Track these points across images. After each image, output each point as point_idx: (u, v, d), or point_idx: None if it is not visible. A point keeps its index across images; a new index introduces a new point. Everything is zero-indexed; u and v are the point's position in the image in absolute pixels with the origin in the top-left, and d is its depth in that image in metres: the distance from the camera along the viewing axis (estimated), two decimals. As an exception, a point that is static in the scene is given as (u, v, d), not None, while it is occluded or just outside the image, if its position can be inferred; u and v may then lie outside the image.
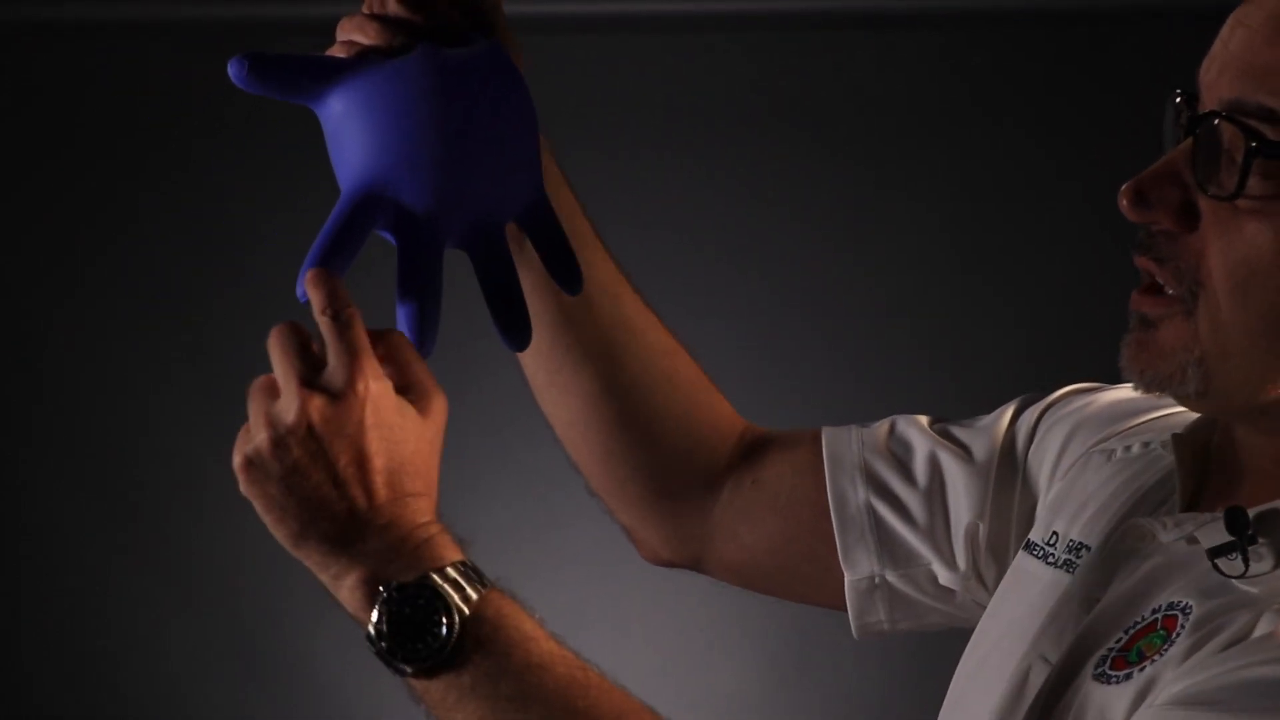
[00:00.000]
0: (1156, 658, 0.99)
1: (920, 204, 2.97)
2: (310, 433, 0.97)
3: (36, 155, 3.01)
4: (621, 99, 3.02)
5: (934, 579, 1.30)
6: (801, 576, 1.32)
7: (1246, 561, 0.99)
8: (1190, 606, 1.00)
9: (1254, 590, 0.98)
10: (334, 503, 0.98)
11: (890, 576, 1.29)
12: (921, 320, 2.96)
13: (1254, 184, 0.97)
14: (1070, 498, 1.20)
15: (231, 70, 1.01)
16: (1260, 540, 0.99)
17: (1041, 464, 1.25)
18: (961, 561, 1.27)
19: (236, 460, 1.00)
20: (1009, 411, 1.29)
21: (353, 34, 1.06)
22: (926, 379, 2.92)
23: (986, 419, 1.30)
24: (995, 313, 2.97)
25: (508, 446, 2.97)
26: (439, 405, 1.02)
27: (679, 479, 1.30)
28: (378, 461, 0.98)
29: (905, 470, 1.29)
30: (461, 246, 1.03)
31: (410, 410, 1.00)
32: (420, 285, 1.00)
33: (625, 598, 2.89)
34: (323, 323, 0.99)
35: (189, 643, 2.99)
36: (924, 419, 1.32)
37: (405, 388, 1.01)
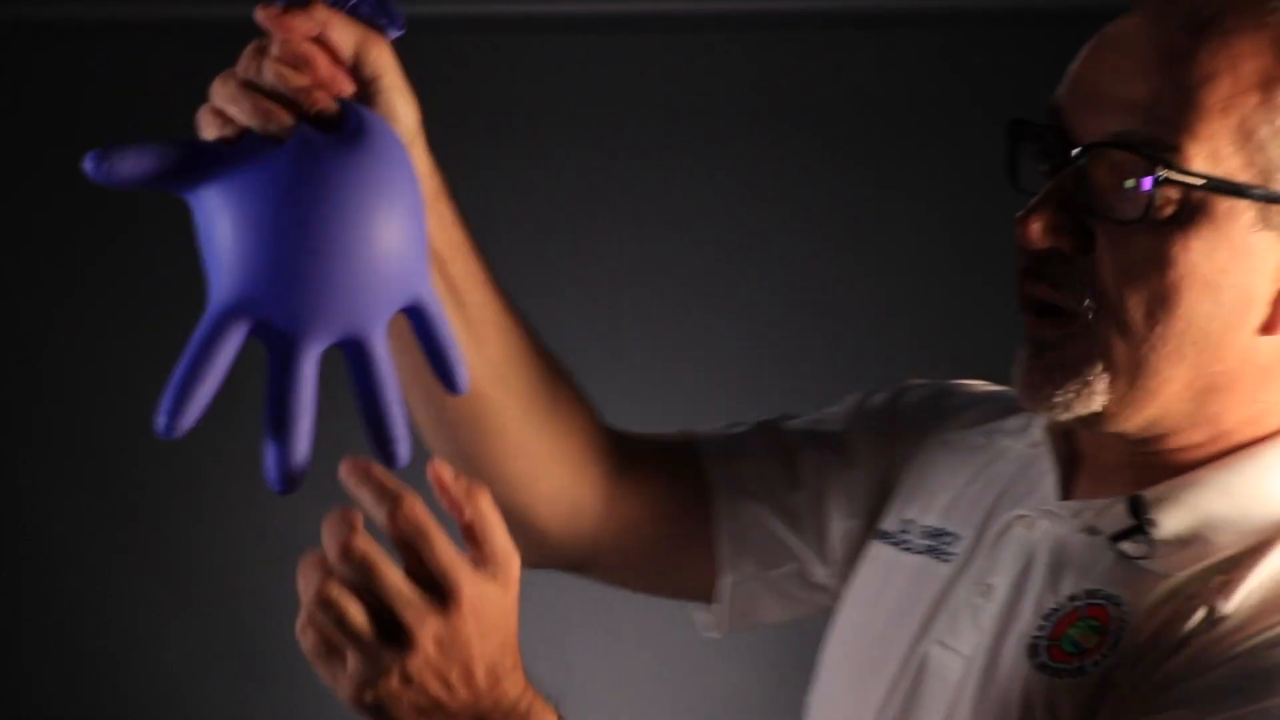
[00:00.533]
0: (1101, 656, 1.06)
1: (920, 204, 2.97)
2: (428, 660, 0.94)
3: (36, 155, 3.01)
4: (621, 99, 3.02)
5: (807, 576, 1.32)
6: (681, 578, 1.32)
7: (1151, 543, 1.07)
8: (1119, 598, 1.07)
9: (1158, 569, 1.07)
10: (447, 704, 0.96)
11: (767, 576, 1.32)
12: (921, 320, 2.97)
13: (1154, 208, 1.04)
14: (920, 487, 1.26)
15: (90, 167, 0.93)
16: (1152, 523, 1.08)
17: (891, 455, 1.29)
18: (837, 555, 1.31)
19: (349, 693, 0.96)
20: (857, 405, 1.34)
21: (226, 105, 0.97)
22: (926, 378, 2.93)
23: (835, 414, 1.34)
24: (995, 313, 2.97)
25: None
26: (514, 568, 0.97)
27: (552, 507, 1.27)
28: (482, 663, 0.96)
29: (776, 471, 1.30)
30: (340, 348, 0.97)
31: (497, 594, 0.96)
32: (285, 411, 0.94)
33: (620, 600, 2.89)
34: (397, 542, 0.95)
35: (189, 643, 2.99)
36: (783, 420, 1.34)
37: (483, 557, 0.96)
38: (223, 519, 2.87)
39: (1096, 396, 1.07)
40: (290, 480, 0.96)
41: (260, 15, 0.98)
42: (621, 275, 3.02)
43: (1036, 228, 1.06)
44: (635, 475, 1.30)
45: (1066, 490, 1.16)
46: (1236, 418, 1.09)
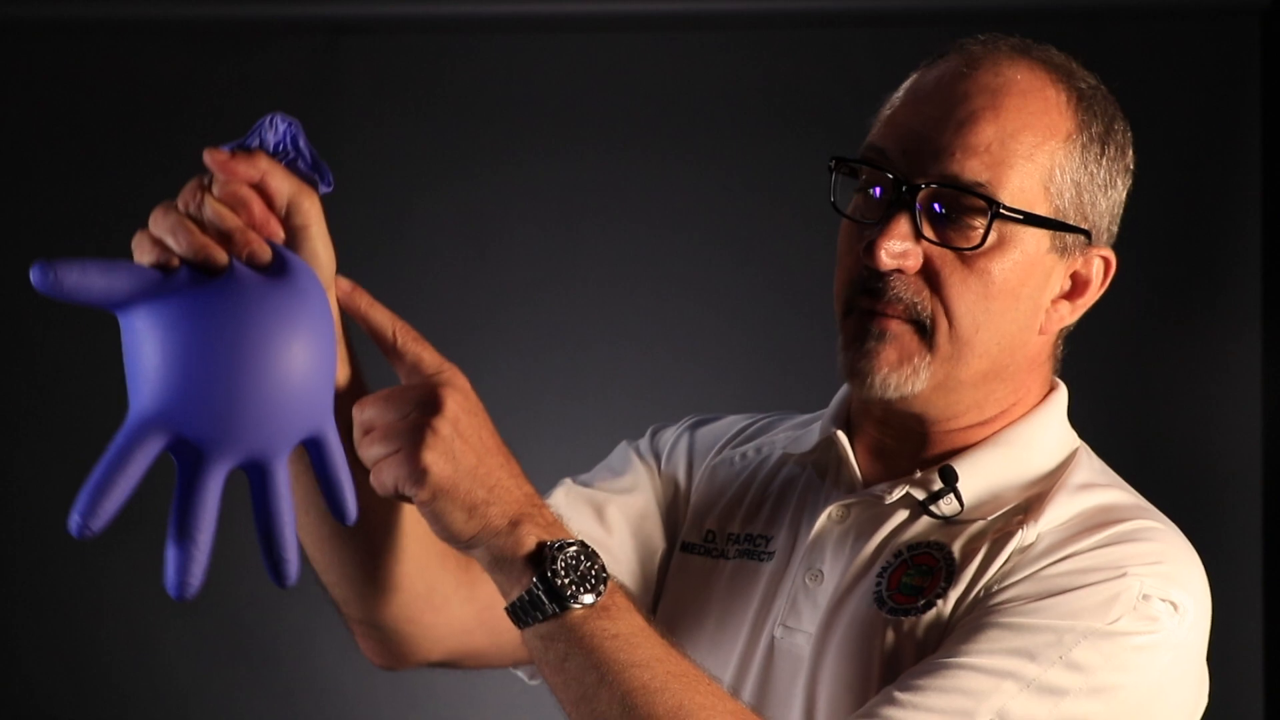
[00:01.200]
0: (940, 589, 1.29)
1: (920, 204, 2.97)
2: (461, 412, 1.19)
3: (36, 155, 3.01)
4: (621, 99, 3.02)
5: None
6: (512, 648, 1.41)
7: (961, 502, 1.33)
8: (938, 542, 1.32)
9: (968, 519, 1.32)
10: (501, 456, 1.23)
11: None
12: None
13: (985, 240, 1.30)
14: (710, 501, 1.47)
15: (35, 276, 1.00)
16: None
17: (676, 478, 1.50)
18: (652, 583, 1.48)
19: (412, 466, 1.14)
20: (632, 449, 1.53)
21: (165, 236, 1.04)
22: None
23: (616, 461, 1.53)
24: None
25: (507, 446, 2.97)
26: (459, 378, 1.22)
27: (431, 606, 1.36)
28: (496, 437, 1.24)
29: (592, 528, 1.45)
30: (244, 469, 1.05)
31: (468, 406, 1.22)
32: (188, 524, 1.03)
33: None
34: (401, 330, 1.18)
35: (189, 643, 2.99)
36: (573, 481, 1.52)
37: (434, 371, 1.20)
38: (222, 519, 2.87)
39: (919, 382, 1.31)
40: (187, 587, 1.06)
41: (207, 157, 1.07)
42: (621, 274, 3.02)
43: (885, 254, 1.29)
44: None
45: (866, 482, 1.39)
46: (1007, 401, 1.37)
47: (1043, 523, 1.30)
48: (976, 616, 1.25)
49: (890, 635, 1.29)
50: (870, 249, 1.30)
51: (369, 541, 1.29)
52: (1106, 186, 1.34)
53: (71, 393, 2.99)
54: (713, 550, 1.44)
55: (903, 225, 1.30)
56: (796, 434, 1.48)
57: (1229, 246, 2.89)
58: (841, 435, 1.40)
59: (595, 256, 3.01)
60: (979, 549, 1.30)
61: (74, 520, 1.01)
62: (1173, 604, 1.25)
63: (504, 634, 1.37)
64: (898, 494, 1.35)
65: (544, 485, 3.20)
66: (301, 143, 1.09)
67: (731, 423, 1.53)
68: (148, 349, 1.00)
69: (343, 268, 1.15)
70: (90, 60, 2.99)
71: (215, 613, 2.98)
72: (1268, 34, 2.90)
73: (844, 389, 1.45)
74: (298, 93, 3.00)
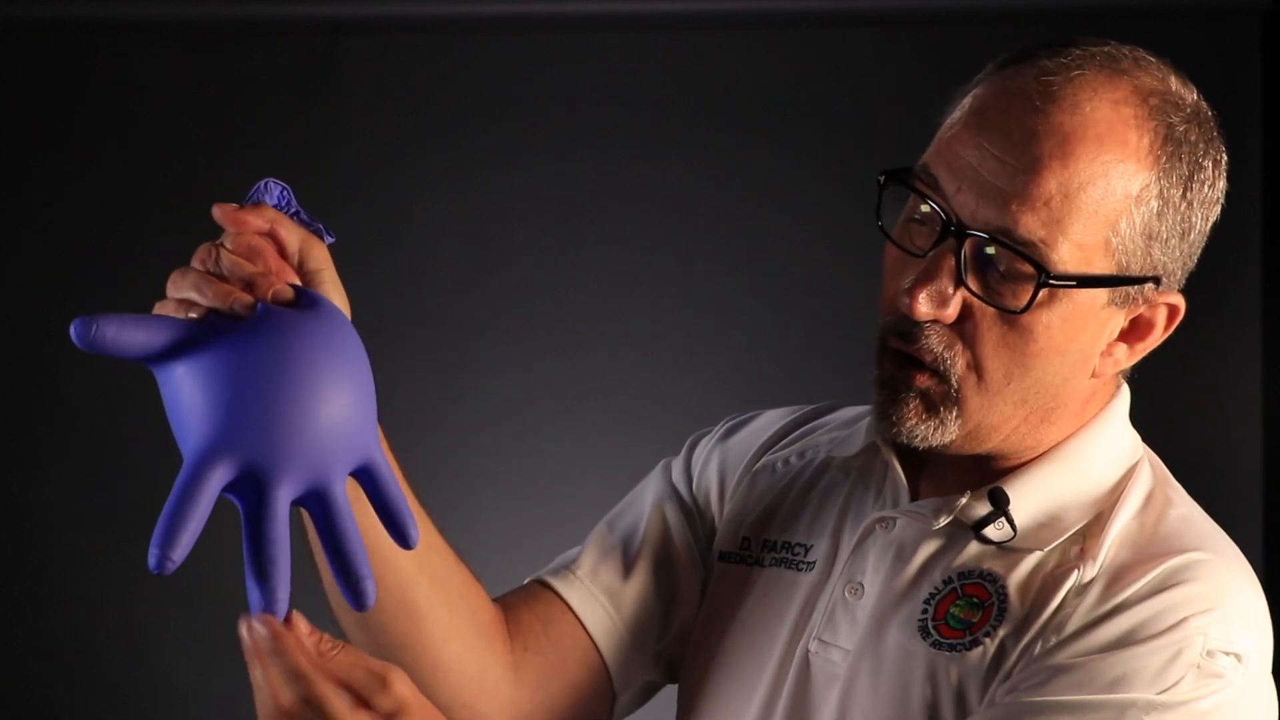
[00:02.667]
0: (990, 626, 1.22)
1: (920, 204, 2.97)
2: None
3: (36, 155, 3.01)
4: (621, 99, 3.02)
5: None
6: (587, 711, 1.40)
7: (1014, 526, 1.24)
8: (991, 573, 1.24)
9: (1021, 547, 1.24)
10: None
11: (657, 674, 1.43)
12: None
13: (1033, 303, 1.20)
14: (749, 508, 1.40)
15: (74, 332, 1.02)
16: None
17: (709, 490, 1.44)
18: (695, 600, 1.42)
19: None
20: (675, 469, 1.46)
21: (189, 292, 1.06)
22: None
23: (646, 487, 1.46)
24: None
25: (506, 446, 2.97)
26: (401, 687, 1.05)
27: (479, 686, 1.34)
28: None
29: (628, 572, 1.40)
30: (301, 505, 1.06)
31: None
32: (266, 551, 1.02)
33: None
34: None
35: (189, 643, 2.99)
36: (607, 523, 1.45)
37: (367, 697, 1.05)
38: (223, 519, 2.87)
39: (948, 433, 1.24)
40: (278, 616, 1.03)
41: (216, 211, 1.09)
42: (621, 274, 3.02)
43: (924, 304, 1.21)
44: (525, 640, 1.38)
45: (912, 492, 1.31)
46: (1062, 434, 1.28)
47: (1101, 557, 1.21)
48: (1031, 687, 1.18)
49: (932, 670, 1.22)
50: (908, 294, 1.21)
51: (411, 616, 1.27)
52: (1185, 231, 1.23)
53: (71, 393, 2.99)
54: (747, 558, 1.38)
55: (945, 273, 1.20)
56: (843, 434, 1.40)
57: (1229, 246, 2.89)
58: (886, 447, 1.32)
59: (595, 256, 3.01)
60: (1033, 585, 1.22)
61: (153, 554, 1.01)
62: (1236, 656, 1.18)
63: (562, 711, 1.37)
64: (947, 516, 1.27)
65: (547, 493, 3.17)
66: (295, 204, 1.12)
67: (769, 422, 1.46)
68: (195, 391, 1.02)
69: (342, 268, 1.15)
70: (90, 60, 2.99)
71: (215, 613, 2.98)
72: (1268, 34, 2.90)
73: None
74: (298, 93, 3.00)
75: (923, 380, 1.23)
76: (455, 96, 3.01)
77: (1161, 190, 1.20)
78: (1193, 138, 1.22)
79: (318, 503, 1.05)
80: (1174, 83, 1.24)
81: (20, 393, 3.00)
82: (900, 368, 1.25)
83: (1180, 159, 1.21)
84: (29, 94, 3.00)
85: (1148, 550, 1.22)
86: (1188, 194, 1.22)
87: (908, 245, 1.24)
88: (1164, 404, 3.08)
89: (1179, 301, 1.26)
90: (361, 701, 1.03)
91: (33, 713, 3.01)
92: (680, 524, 1.42)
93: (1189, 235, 1.24)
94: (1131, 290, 1.22)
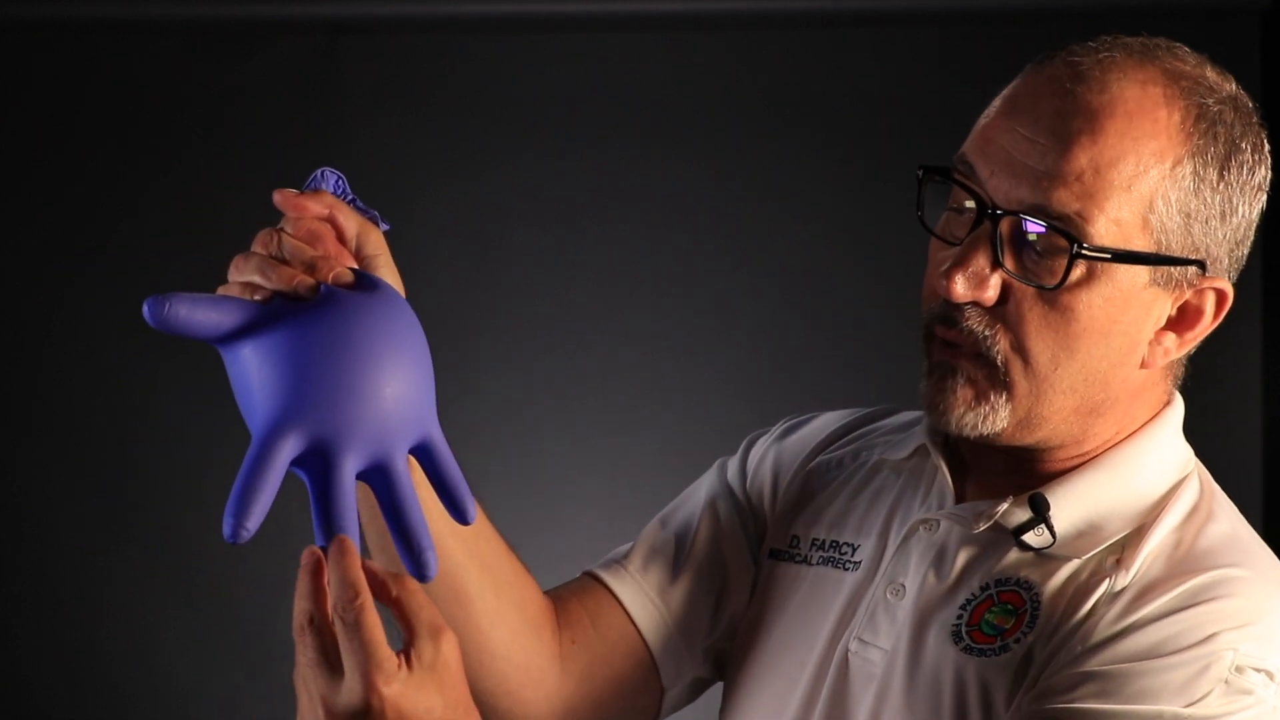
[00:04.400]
0: (1021, 633, 1.21)
1: (920, 204, 2.97)
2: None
3: (36, 155, 3.01)
4: (621, 99, 3.02)
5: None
6: (634, 705, 1.40)
7: (1053, 534, 1.24)
8: (1027, 580, 1.23)
9: (1059, 555, 1.23)
10: None
11: (705, 670, 1.43)
12: (920, 319, 2.96)
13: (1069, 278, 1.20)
14: (800, 506, 1.41)
15: (148, 310, 1.05)
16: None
17: (761, 494, 1.44)
18: (745, 600, 1.42)
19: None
20: (730, 469, 1.46)
21: (254, 276, 1.07)
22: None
23: (701, 486, 1.46)
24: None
25: (506, 446, 2.97)
26: (449, 648, 1.05)
27: (526, 674, 1.35)
28: None
29: (678, 568, 1.41)
30: (364, 479, 1.09)
31: (427, 680, 1.04)
32: (336, 518, 1.05)
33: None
34: (336, 624, 1.06)
35: (189, 643, 2.99)
36: (659, 526, 1.45)
37: (413, 639, 1.05)
38: (223, 518, 2.87)
39: (999, 420, 1.23)
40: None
41: (277, 197, 1.11)
42: (621, 274, 3.02)
43: (961, 285, 1.21)
44: (573, 632, 1.38)
45: (958, 495, 1.31)
46: (1111, 431, 1.27)
47: (1135, 568, 1.20)
48: (1057, 693, 1.17)
49: (962, 675, 1.22)
50: (947, 281, 1.22)
51: (460, 601, 1.28)
52: (1227, 213, 1.23)
53: (72, 393, 2.99)
54: (795, 556, 1.39)
55: (982, 254, 1.21)
56: (897, 438, 1.40)
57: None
58: (935, 449, 1.33)
59: (595, 256, 3.01)
60: (1066, 593, 1.22)
61: (227, 524, 1.04)
62: (1268, 673, 1.16)
63: (609, 704, 1.38)
64: (988, 520, 1.27)
65: (548, 493, 3.17)
66: (350, 193, 1.15)
67: (825, 424, 1.47)
68: (264, 369, 1.05)
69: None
70: (90, 60, 2.99)
71: (215, 613, 2.98)
72: (1268, 34, 2.90)
73: None
74: (298, 93, 3.00)
75: (968, 365, 1.23)
76: (455, 96, 3.01)
77: (1195, 168, 1.21)
78: (1228, 119, 1.23)
79: (381, 476, 1.08)
80: (1209, 71, 1.26)
81: (20, 393, 3.00)
82: (945, 354, 1.25)
83: (1215, 138, 1.22)
84: (29, 94, 3.00)
85: (1183, 565, 1.21)
86: (1225, 174, 1.22)
87: (949, 237, 1.25)
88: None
89: (1227, 287, 1.26)
90: (407, 643, 1.04)
91: (33, 713, 3.01)
92: (732, 522, 1.43)
93: (1230, 219, 1.23)
94: (1174, 272, 1.22)
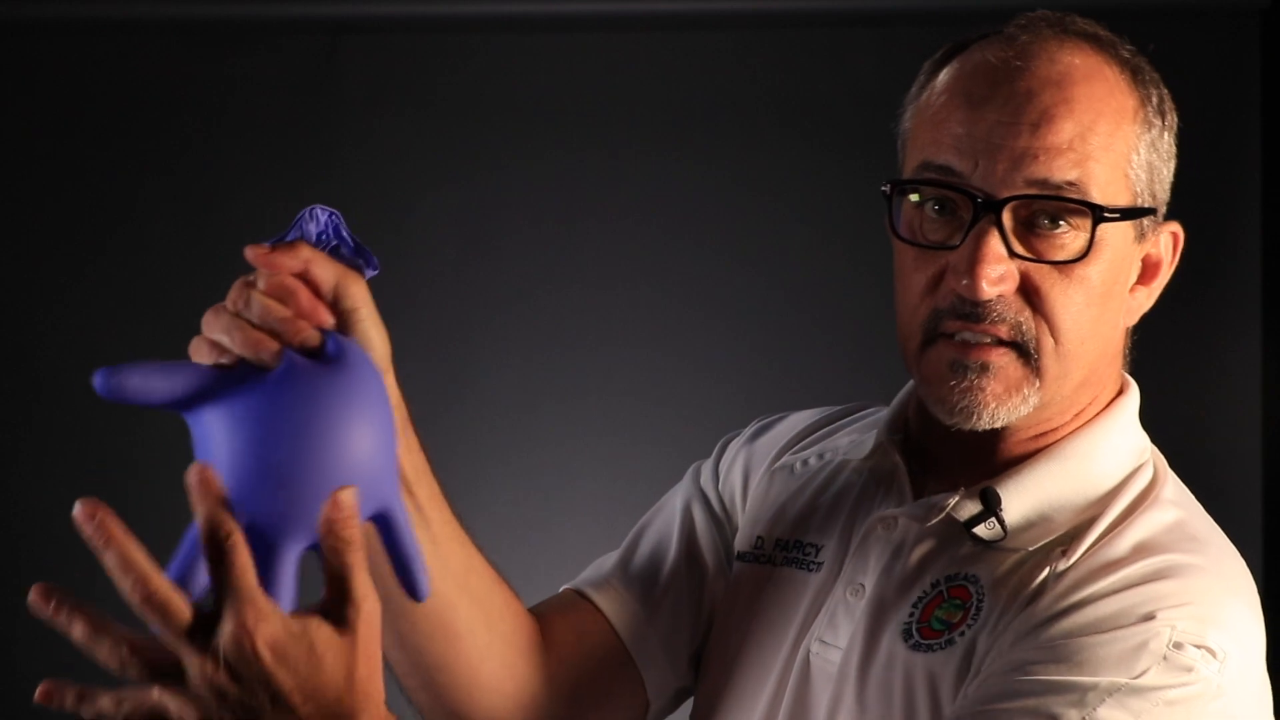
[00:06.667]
0: (966, 626, 1.22)
1: (920, 204, 2.97)
2: (224, 691, 1.01)
3: (36, 155, 3.01)
4: (621, 99, 3.02)
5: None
6: (619, 716, 1.40)
7: (1004, 527, 1.23)
8: (975, 575, 1.23)
9: (1008, 547, 1.24)
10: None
11: (689, 680, 1.42)
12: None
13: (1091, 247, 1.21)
14: (765, 507, 1.41)
15: (98, 382, 1.05)
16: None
17: (734, 491, 1.44)
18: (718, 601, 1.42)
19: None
20: (704, 474, 1.46)
21: (220, 336, 1.06)
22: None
23: (677, 493, 1.46)
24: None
25: (507, 446, 2.97)
26: (365, 613, 1.01)
27: (516, 703, 1.34)
28: (297, 698, 0.99)
29: (659, 580, 1.41)
30: (315, 550, 1.06)
31: (320, 633, 1.00)
32: (277, 600, 1.03)
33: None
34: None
35: (189, 643, 2.98)
36: (640, 528, 1.45)
37: (329, 600, 1.01)
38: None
39: (1028, 405, 1.23)
40: None
41: (249, 253, 1.08)
42: (621, 274, 3.02)
43: (987, 283, 1.19)
44: (561, 652, 1.37)
45: (917, 491, 1.31)
46: (1085, 401, 1.27)
47: (1078, 555, 1.21)
48: (998, 671, 1.18)
49: (910, 673, 1.23)
50: (971, 280, 1.20)
51: (449, 638, 1.27)
52: (1169, 157, 1.28)
53: (72, 393, 2.99)
54: (760, 557, 1.39)
55: (995, 246, 1.20)
56: (861, 437, 1.40)
57: (1229, 246, 2.89)
58: (891, 443, 1.34)
59: (595, 256, 3.01)
60: (1010, 583, 1.22)
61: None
62: (1209, 650, 1.15)
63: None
64: (940, 513, 1.27)
65: (548, 493, 3.18)
66: (344, 231, 1.12)
67: (794, 424, 1.47)
68: (216, 445, 1.04)
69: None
70: (90, 60, 2.99)
71: (215, 613, 2.98)
72: (1268, 34, 2.90)
73: (904, 390, 1.38)
74: (298, 93, 3.00)
75: (999, 356, 1.22)
76: (455, 96, 3.02)
77: (1147, 116, 1.25)
78: (1146, 68, 1.27)
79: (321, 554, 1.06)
80: (1103, 31, 1.28)
81: (20, 393, 3.01)
82: (966, 351, 1.23)
83: (1149, 87, 1.26)
84: (29, 94, 3.00)
85: (1128, 551, 1.21)
86: (1164, 119, 1.27)
87: (923, 242, 1.25)
88: (1164, 404, 3.08)
89: (1177, 228, 1.29)
90: None
91: (33, 713, 3.01)
92: (707, 528, 1.42)
93: (1170, 161, 1.28)
94: (1145, 224, 1.25)
